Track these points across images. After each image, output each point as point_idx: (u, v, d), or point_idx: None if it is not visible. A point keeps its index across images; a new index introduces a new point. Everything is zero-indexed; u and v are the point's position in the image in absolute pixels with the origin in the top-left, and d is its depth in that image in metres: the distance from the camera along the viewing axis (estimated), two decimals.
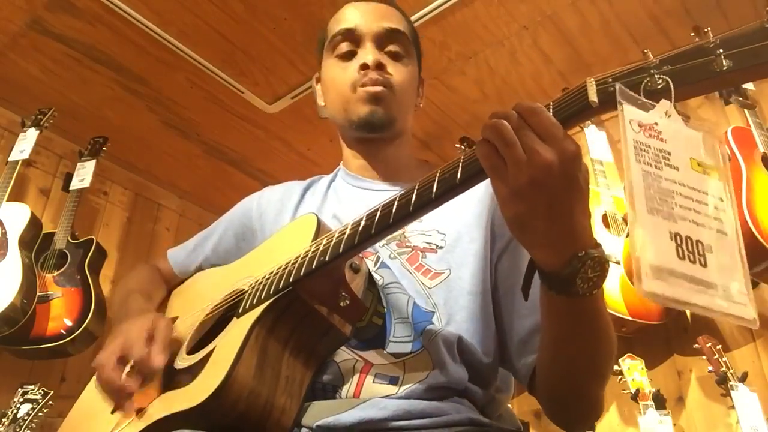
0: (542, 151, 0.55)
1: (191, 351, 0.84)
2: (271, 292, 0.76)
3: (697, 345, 1.82)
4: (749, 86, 1.99)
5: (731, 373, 1.73)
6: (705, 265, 0.50)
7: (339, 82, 1.00)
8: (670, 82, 0.53)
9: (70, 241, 2.28)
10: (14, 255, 2.06)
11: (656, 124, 0.54)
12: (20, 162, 2.23)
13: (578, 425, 0.80)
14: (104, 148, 2.52)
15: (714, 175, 0.54)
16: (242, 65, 2.34)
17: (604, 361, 0.73)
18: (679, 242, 0.49)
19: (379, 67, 0.97)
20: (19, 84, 2.40)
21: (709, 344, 1.79)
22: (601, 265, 0.60)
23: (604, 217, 2.10)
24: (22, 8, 2.10)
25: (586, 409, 0.78)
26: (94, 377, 1.03)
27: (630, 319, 1.89)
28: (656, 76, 0.54)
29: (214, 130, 2.70)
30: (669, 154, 0.53)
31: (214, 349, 0.77)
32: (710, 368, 1.77)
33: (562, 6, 2.13)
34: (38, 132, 2.33)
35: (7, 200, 2.14)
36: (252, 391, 0.70)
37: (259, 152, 2.81)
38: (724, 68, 0.51)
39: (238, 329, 0.76)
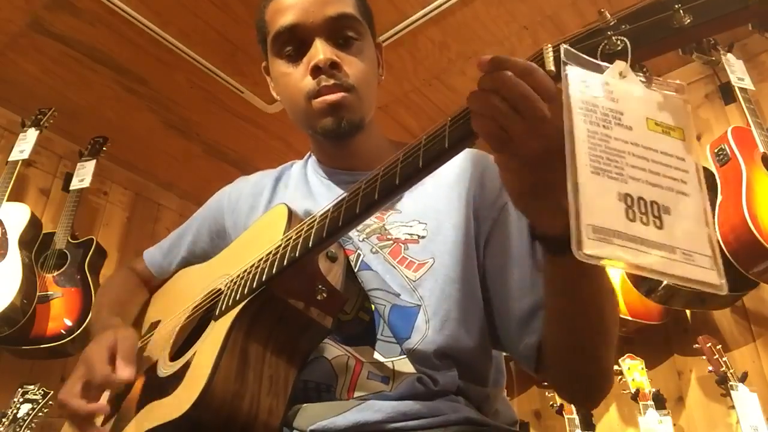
0: (550, 114, 0.53)
1: (174, 357, 0.83)
2: (245, 292, 0.75)
3: (697, 345, 1.83)
4: (748, 85, 1.99)
5: (731, 373, 1.73)
6: (661, 227, 0.47)
7: (292, 91, 0.91)
8: (628, 43, 0.51)
9: (70, 241, 2.28)
10: (14, 255, 2.06)
11: (607, 84, 0.51)
12: (20, 162, 2.23)
13: (593, 396, 0.78)
14: (104, 148, 2.52)
15: (676, 135, 0.52)
16: (242, 65, 2.34)
17: (611, 321, 0.72)
18: (629, 203, 0.47)
19: (333, 66, 0.87)
20: (19, 84, 2.40)
21: (709, 344, 1.80)
22: None
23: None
24: (22, 8, 2.10)
25: (599, 377, 0.76)
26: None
27: (630, 319, 1.89)
28: (614, 37, 0.52)
29: (214, 130, 2.70)
30: (621, 114, 0.51)
31: (194, 355, 0.76)
32: (710, 368, 1.77)
33: (562, 6, 2.13)
34: (38, 132, 2.33)
35: (7, 200, 2.14)
36: (235, 396, 0.69)
37: (259, 152, 2.81)
38: (684, 23, 0.48)
39: (216, 333, 0.75)
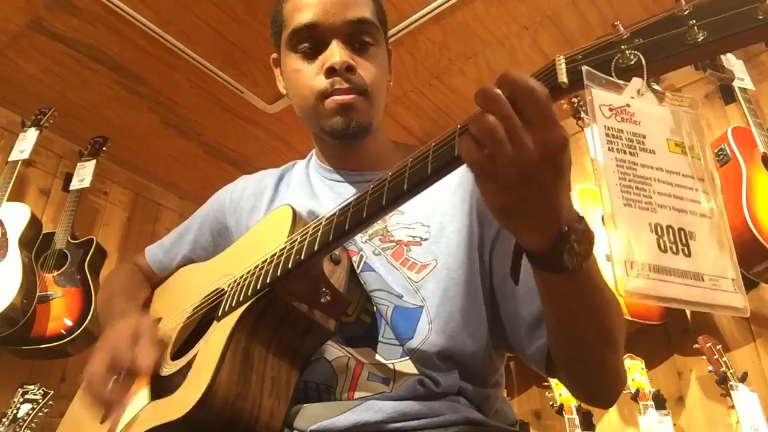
0: (533, 144, 0.52)
1: (175, 356, 0.83)
2: (249, 293, 0.74)
3: (697, 345, 1.82)
4: (748, 85, 1.99)
5: (731, 373, 1.73)
6: (689, 255, 0.46)
7: (304, 88, 0.91)
8: (642, 58, 0.50)
9: (70, 241, 2.28)
10: (14, 255, 2.06)
11: (628, 105, 0.50)
12: (20, 162, 2.23)
13: (605, 397, 0.78)
14: (104, 148, 2.53)
15: (693, 154, 0.51)
16: (242, 65, 2.34)
17: (614, 328, 0.70)
18: (660, 233, 0.47)
19: (348, 69, 0.88)
20: (19, 84, 2.40)
21: (709, 344, 1.79)
22: (586, 238, 0.59)
23: (603, 218, 2.09)
24: (22, 8, 2.10)
25: (608, 380, 0.76)
26: (81, 387, 1.02)
27: (630, 319, 1.89)
28: (627, 51, 0.50)
29: (214, 130, 2.70)
30: (644, 137, 0.50)
31: (196, 354, 0.76)
32: (710, 368, 1.77)
33: (562, 6, 2.13)
34: (38, 132, 2.33)
35: (7, 200, 2.15)
36: (237, 397, 0.69)
37: (259, 152, 2.81)
38: (699, 40, 0.47)
39: (219, 333, 0.75)
